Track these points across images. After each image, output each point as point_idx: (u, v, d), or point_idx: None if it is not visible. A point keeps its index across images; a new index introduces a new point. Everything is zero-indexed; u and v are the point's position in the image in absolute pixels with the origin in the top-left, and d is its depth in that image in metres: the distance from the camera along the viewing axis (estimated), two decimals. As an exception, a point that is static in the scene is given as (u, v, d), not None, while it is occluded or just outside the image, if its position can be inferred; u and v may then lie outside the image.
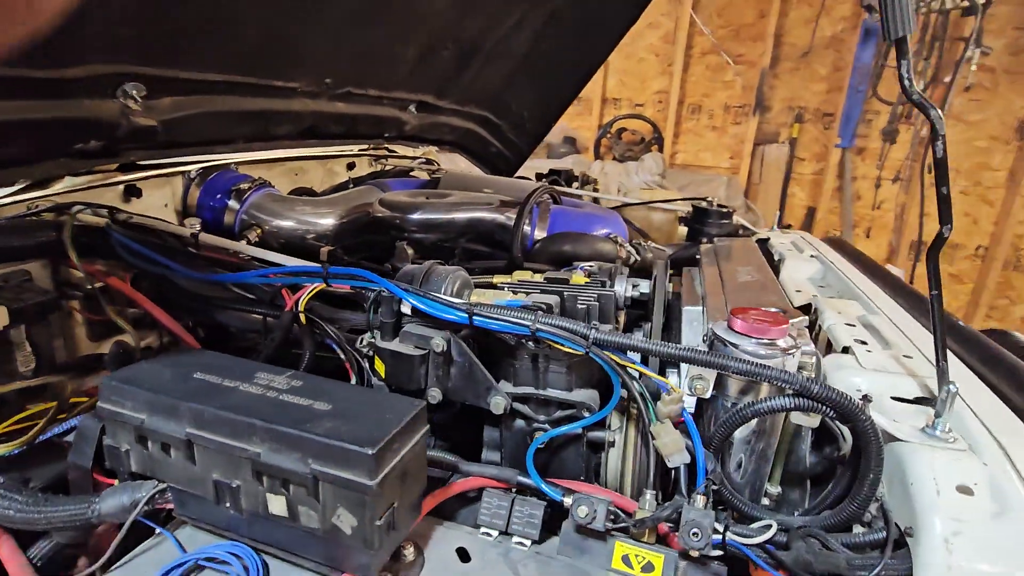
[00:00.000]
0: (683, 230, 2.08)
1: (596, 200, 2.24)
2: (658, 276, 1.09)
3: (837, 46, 4.60)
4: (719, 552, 0.78)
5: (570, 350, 0.80)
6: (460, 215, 1.54)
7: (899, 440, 0.70)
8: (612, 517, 0.71)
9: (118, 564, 0.67)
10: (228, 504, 0.64)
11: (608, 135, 5.30)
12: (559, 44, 2.45)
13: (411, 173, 2.38)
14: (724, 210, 1.92)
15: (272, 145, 1.70)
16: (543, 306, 0.85)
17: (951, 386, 0.68)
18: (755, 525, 0.77)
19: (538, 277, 1.02)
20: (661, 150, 5.22)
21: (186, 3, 1.06)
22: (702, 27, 4.56)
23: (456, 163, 3.03)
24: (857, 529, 0.75)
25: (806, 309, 1.24)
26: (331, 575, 0.65)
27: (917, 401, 0.79)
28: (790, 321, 0.86)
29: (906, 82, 0.64)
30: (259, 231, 1.47)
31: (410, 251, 1.54)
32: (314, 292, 0.97)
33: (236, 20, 1.19)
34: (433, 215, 1.53)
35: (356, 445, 0.57)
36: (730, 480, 0.84)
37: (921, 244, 4.58)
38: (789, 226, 3.54)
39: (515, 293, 0.95)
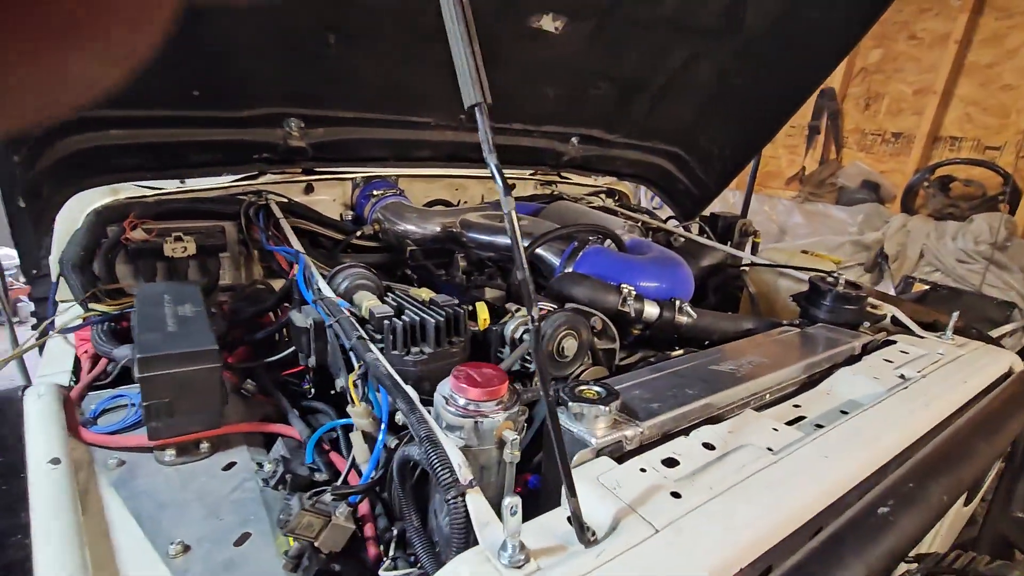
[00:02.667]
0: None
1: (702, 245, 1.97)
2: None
3: None
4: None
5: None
6: (503, 239, 1.69)
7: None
8: (283, 485, 0.87)
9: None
10: (141, 371, 1.08)
11: (926, 183, 4.09)
12: (754, 78, 2.21)
13: (578, 201, 2.53)
14: (853, 293, 1.47)
15: (430, 164, 2.17)
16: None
17: (511, 501, 0.58)
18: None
19: (427, 295, 1.15)
20: (1013, 212, 3.74)
21: (320, 65, 1.57)
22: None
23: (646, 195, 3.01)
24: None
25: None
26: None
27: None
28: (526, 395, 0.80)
29: (484, 149, 0.57)
30: (377, 226, 1.96)
31: (463, 263, 1.79)
32: (297, 269, 1.35)
33: (359, 74, 1.67)
34: (483, 236, 1.74)
35: (139, 350, 0.92)
36: (432, 520, 0.84)
37: None
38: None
39: (384, 301, 1.13)
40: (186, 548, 0.80)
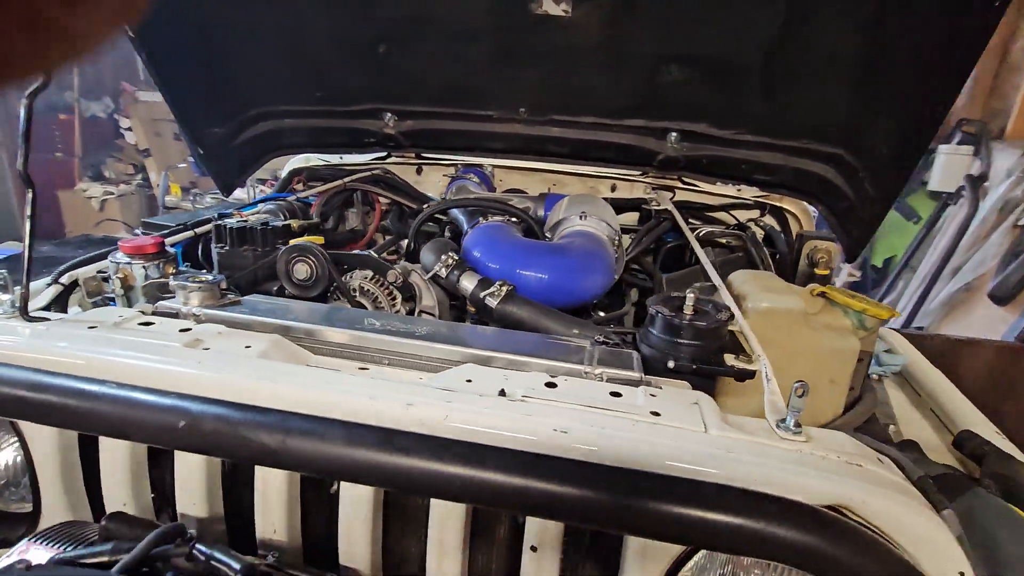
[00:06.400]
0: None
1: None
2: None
3: None
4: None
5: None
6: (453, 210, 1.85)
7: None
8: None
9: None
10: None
11: None
12: (907, 44, 1.54)
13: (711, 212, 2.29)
14: (679, 322, 1.00)
15: (506, 155, 2.38)
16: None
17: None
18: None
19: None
20: None
21: (387, 70, 2.11)
22: None
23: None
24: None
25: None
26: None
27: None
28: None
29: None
30: (446, 202, 2.36)
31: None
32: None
33: (417, 75, 2.10)
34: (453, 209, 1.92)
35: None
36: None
37: None
38: None
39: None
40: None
